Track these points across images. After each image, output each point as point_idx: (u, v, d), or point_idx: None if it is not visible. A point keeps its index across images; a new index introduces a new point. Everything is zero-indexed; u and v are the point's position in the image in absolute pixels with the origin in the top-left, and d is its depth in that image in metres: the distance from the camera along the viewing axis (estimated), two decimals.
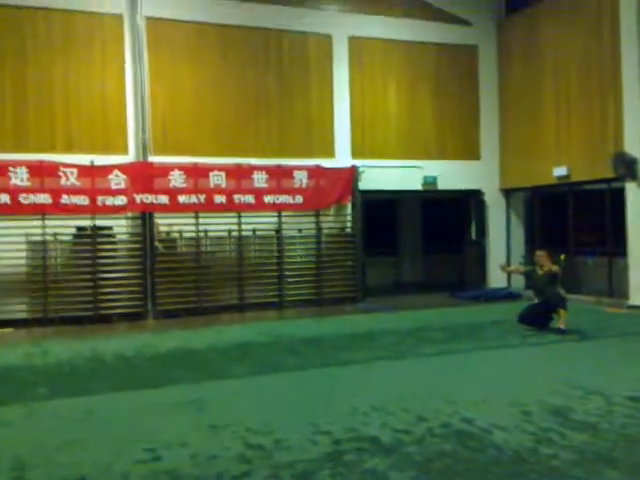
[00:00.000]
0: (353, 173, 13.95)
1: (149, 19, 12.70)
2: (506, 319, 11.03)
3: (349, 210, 14.15)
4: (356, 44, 14.39)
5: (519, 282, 15.45)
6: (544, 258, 9.93)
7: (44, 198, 11.72)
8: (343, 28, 14.29)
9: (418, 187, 14.91)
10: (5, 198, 11.49)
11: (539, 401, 5.95)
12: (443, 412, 5.67)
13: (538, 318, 9.84)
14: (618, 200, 12.54)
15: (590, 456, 4.60)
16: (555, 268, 9.67)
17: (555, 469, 4.37)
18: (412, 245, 17.64)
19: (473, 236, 15.69)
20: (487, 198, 15.58)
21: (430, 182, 14.88)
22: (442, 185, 15.03)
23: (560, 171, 13.73)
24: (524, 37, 14.95)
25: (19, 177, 11.59)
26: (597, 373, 7.17)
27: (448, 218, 16.52)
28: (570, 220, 14.02)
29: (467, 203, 15.80)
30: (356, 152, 14.30)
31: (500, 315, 11.63)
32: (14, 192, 11.55)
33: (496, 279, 15.46)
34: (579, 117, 13.49)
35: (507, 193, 15.70)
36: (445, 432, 5.15)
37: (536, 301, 10.02)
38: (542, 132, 14.40)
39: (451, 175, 15.04)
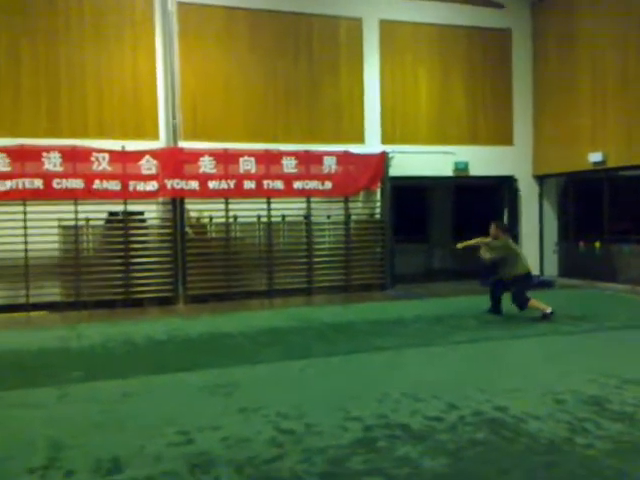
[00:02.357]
0: (383, 159, 13.83)
1: (180, 4, 12.67)
2: None
3: (378, 196, 14.06)
4: (387, 28, 14.21)
5: (552, 270, 15.26)
6: (494, 230, 9.96)
7: (76, 183, 11.85)
8: (374, 11, 14.10)
9: (449, 173, 14.73)
10: (38, 183, 11.63)
11: (574, 390, 5.85)
12: (475, 400, 5.61)
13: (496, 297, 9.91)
14: None
15: (626, 446, 4.51)
16: (492, 242, 9.74)
17: (590, 459, 4.29)
18: (442, 232, 17.47)
19: (505, 223, 15.44)
20: (520, 184, 15.34)
21: (461, 168, 14.70)
22: (474, 171, 14.83)
23: (595, 157, 13.44)
24: (559, 20, 14.60)
25: (52, 162, 11.72)
26: (633, 362, 7.02)
27: (480, 205, 16.29)
28: (605, 207, 13.75)
29: (499, 189, 15.57)
30: (386, 137, 14.17)
31: None
32: (47, 177, 11.68)
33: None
34: (615, 102, 13.16)
35: (541, 179, 15.44)
36: (477, 420, 5.09)
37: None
38: (577, 117, 14.09)
39: (483, 161, 14.83)
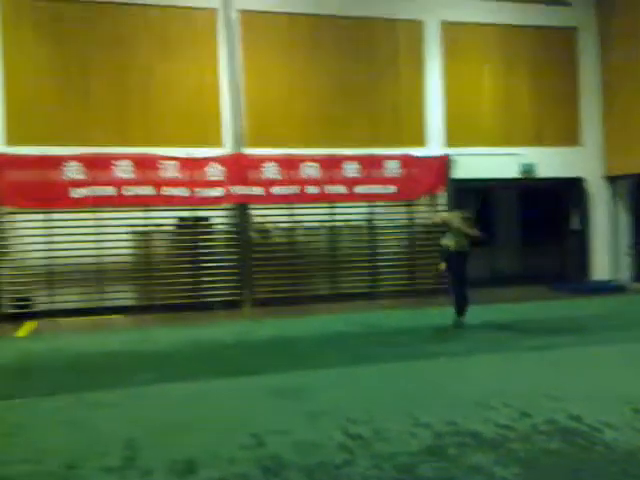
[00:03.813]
0: (446, 162, 13.68)
1: (242, 12, 12.93)
2: (611, 313, 10.60)
3: (442, 200, 13.91)
4: (449, 29, 14.08)
5: (625, 274, 14.74)
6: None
7: (147, 190, 12.21)
8: (435, 13, 14.01)
9: (515, 175, 14.46)
10: (110, 190, 12.05)
11: None
12: (547, 408, 5.48)
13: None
14: None
15: None
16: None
17: None
18: (509, 235, 17.08)
19: (574, 226, 15.05)
20: (589, 186, 14.90)
21: (528, 170, 14.40)
22: (541, 173, 14.51)
23: None
24: (625, 16, 14.12)
25: (123, 170, 12.12)
26: None
27: (547, 207, 15.89)
28: None
29: (568, 191, 15.15)
30: (448, 140, 14.03)
31: (604, 309, 11.14)
32: (118, 184, 12.08)
33: (599, 271, 14.80)
34: None
35: (612, 181, 14.94)
36: (550, 429, 4.98)
37: None
38: None
39: (550, 162, 14.48)
